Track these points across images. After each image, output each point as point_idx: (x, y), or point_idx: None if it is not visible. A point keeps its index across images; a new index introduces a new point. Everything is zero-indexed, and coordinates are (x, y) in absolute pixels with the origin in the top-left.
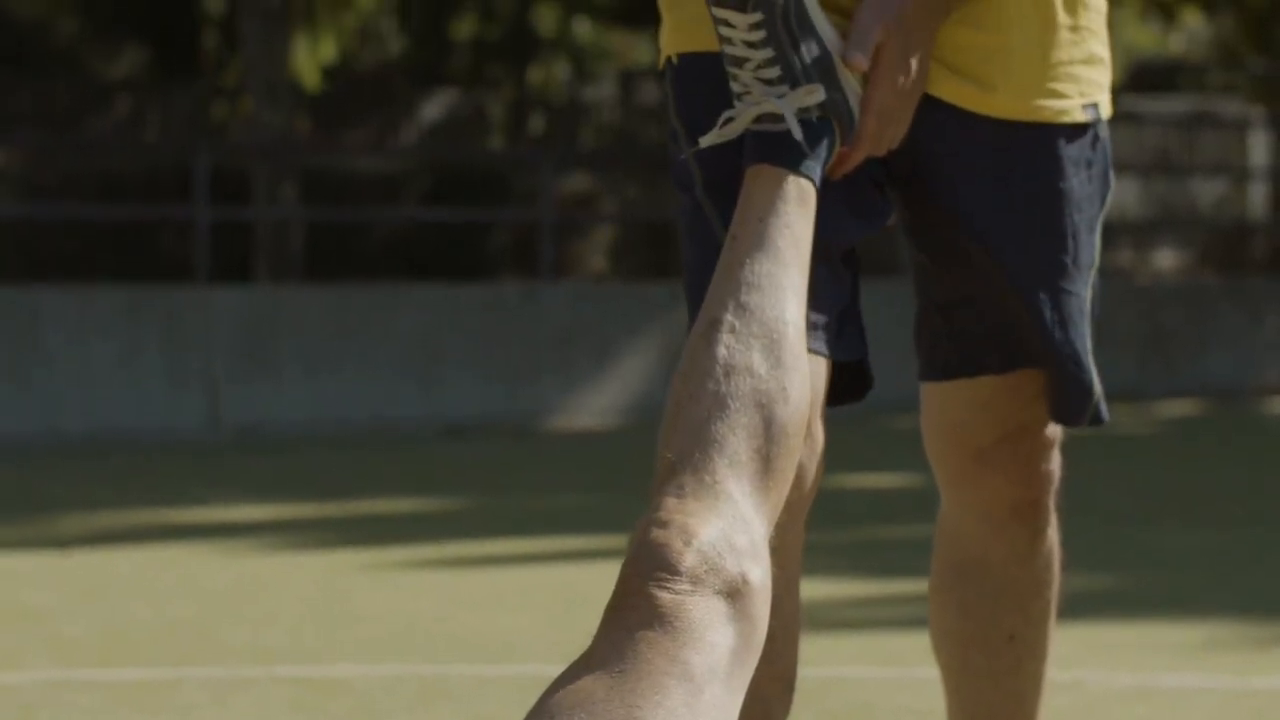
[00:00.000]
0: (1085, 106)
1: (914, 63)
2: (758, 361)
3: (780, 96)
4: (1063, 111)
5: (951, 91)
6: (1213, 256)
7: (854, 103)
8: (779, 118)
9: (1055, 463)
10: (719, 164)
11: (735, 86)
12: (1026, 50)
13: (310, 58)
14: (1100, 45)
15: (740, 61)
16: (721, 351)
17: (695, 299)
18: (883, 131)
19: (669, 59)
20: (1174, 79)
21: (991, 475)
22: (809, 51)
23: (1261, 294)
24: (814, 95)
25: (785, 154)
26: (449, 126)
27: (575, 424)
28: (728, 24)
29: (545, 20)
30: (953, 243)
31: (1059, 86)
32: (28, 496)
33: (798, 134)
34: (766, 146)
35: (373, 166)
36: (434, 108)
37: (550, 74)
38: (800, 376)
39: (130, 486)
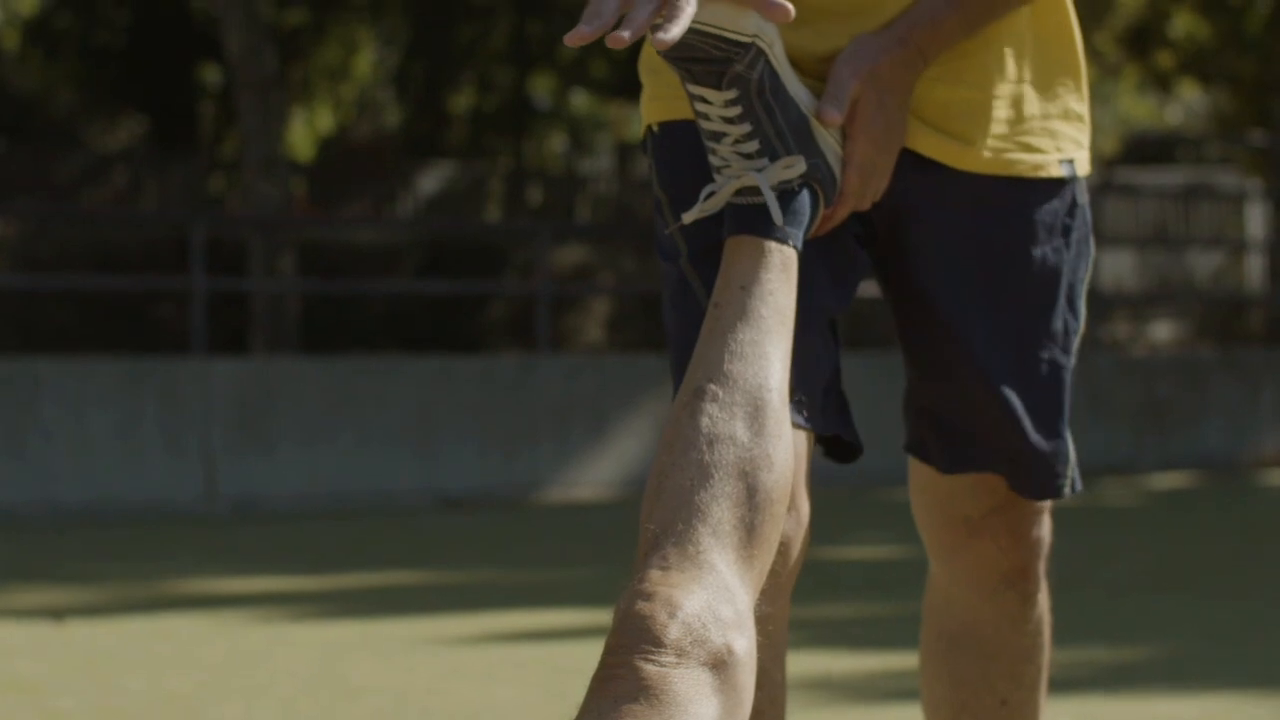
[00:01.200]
0: (1061, 162)
1: (891, 115)
2: (741, 430)
3: (760, 170)
4: (1039, 166)
5: (929, 146)
6: (1209, 328)
7: (834, 162)
8: (758, 190)
9: (1045, 529)
10: (704, 235)
11: (714, 160)
12: (1004, 105)
13: (307, 129)
14: (1078, 102)
15: (718, 136)
16: (704, 421)
17: (680, 370)
18: (865, 186)
19: (650, 128)
20: (1171, 151)
21: (981, 544)
22: (786, 120)
23: (1258, 366)
24: (794, 167)
25: (766, 225)
26: (446, 198)
27: (572, 496)
28: (704, 100)
29: (542, 92)
30: (922, 323)
31: (1035, 141)
32: (23, 566)
33: (776, 214)
34: (747, 218)
35: (369, 238)
36: (431, 179)
37: (547, 146)
38: (784, 444)
39: (126, 557)
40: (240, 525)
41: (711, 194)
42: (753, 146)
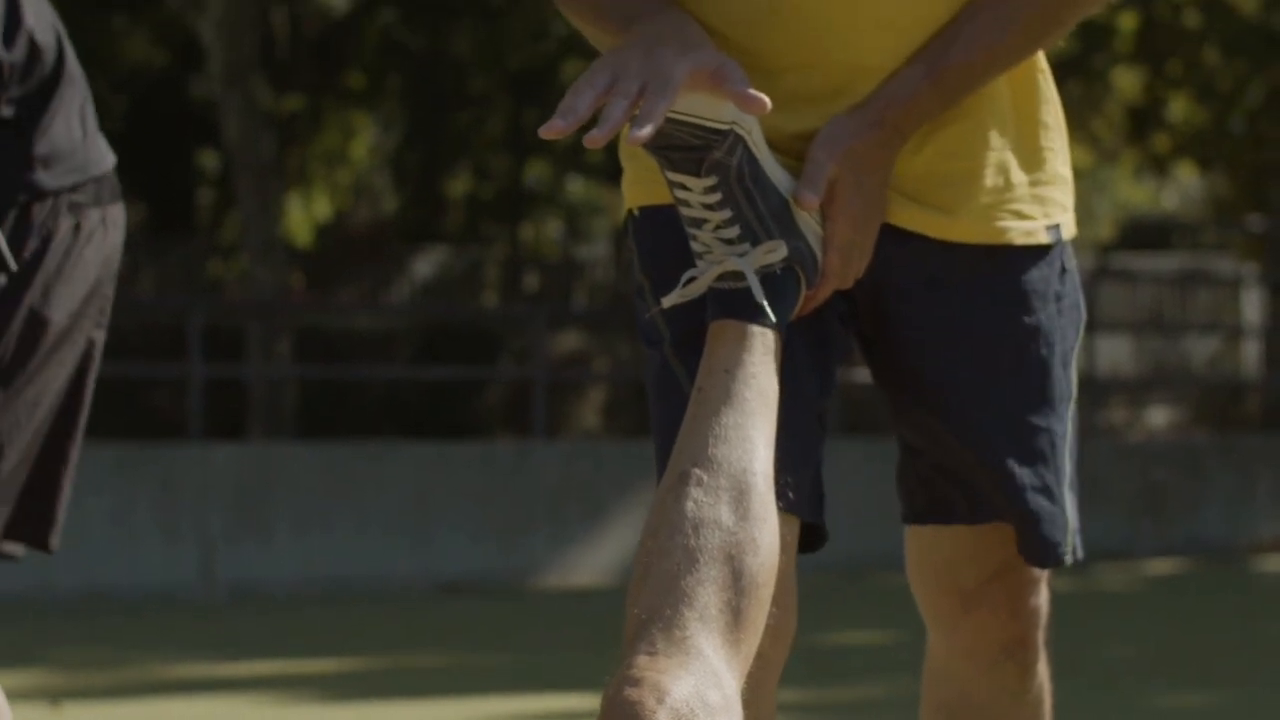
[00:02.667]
0: (1049, 228)
1: (870, 195)
2: (726, 514)
3: (741, 255)
4: (1028, 233)
5: (909, 219)
6: (1206, 414)
7: (816, 244)
8: (741, 275)
9: (1043, 598)
10: (686, 320)
11: (696, 246)
12: (987, 173)
13: (304, 215)
14: (1062, 164)
15: (699, 223)
16: (690, 505)
17: (664, 455)
18: (847, 266)
19: (630, 211)
20: (1167, 236)
21: (979, 614)
22: (766, 205)
23: (1254, 452)
24: (775, 252)
25: (748, 309)
26: (442, 284)
27: (568, 582)
28: (683, 187)
29: (539, 178)
30: (914, 397)
31: (1022, 208)
32: (19, 651)
33: (759, 295)
34: (730, 303)
35: (366, 324)
36: (427, 265)
37: (543, 232)
38: (770, 528)
39: (123, 642)
40: (237, 611)
41: (693, 279)
42: (734, 232)
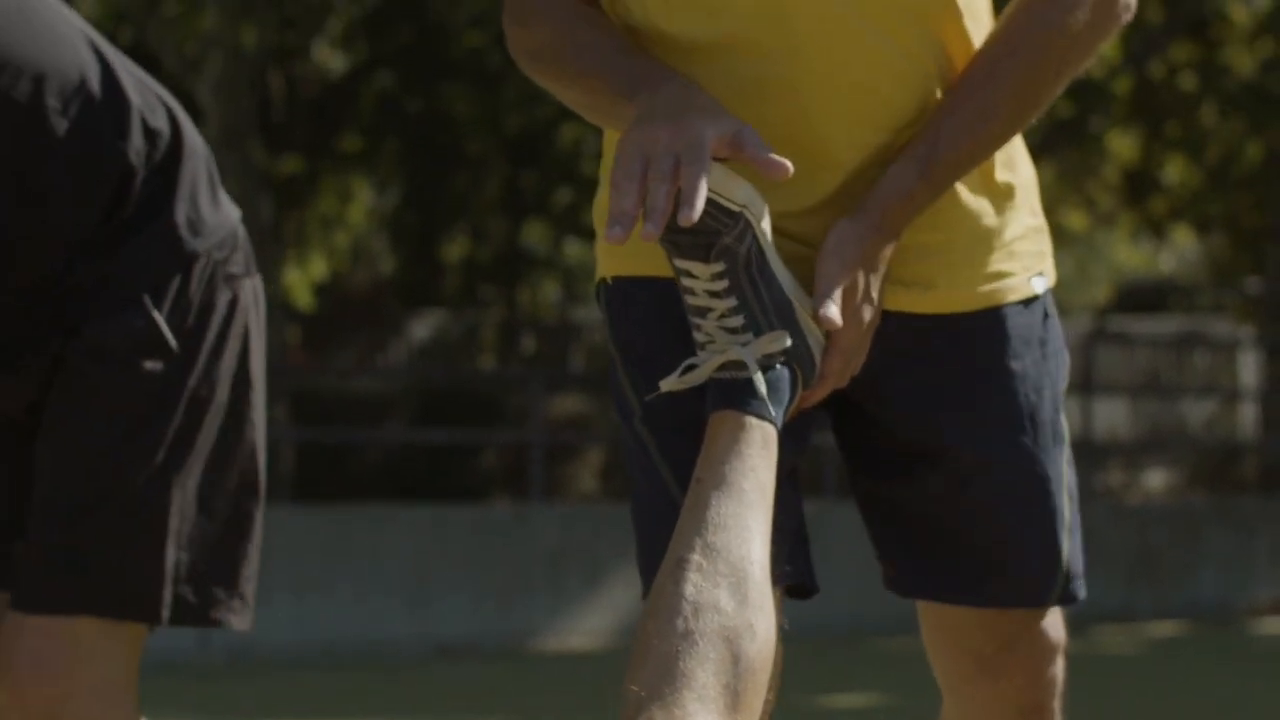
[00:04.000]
0: (1030, 279)
1: (873, 296)
2: (725, 599)
3: (744, 345)
4: (1011, 290)
5: (893, 298)
6: (1203, 477)
7: (815, 347)
8: (743, 365)
9: (1060, 666)
10: (654, 394)
11: (699, 336)
12: (961, 240)
13: (302, 277)
14: (1032, 215)
15: (703, 311)
16: (689, 589)
17: (642, 528)
18: (846, 368)
19: (604, 280)
20: (1164, 299)
21: (994, 682)
22: (770, 297)
23: (1252, 514)
24: (778, 341)
25: (749, 400)
26: (439, 346)
27: (566, 645)
28: (690, 274)
29: (536, 241)
30: (895, 461)
31: (1002, 267)
32: None
33: (761, 386)
34: (730, 393)
35: (363, 386)
36: (424, 327)
37: (540, 294)
38: (766, 615)
39: None
40: (235, 675)
41: (693, 367)
42: (738, 321)
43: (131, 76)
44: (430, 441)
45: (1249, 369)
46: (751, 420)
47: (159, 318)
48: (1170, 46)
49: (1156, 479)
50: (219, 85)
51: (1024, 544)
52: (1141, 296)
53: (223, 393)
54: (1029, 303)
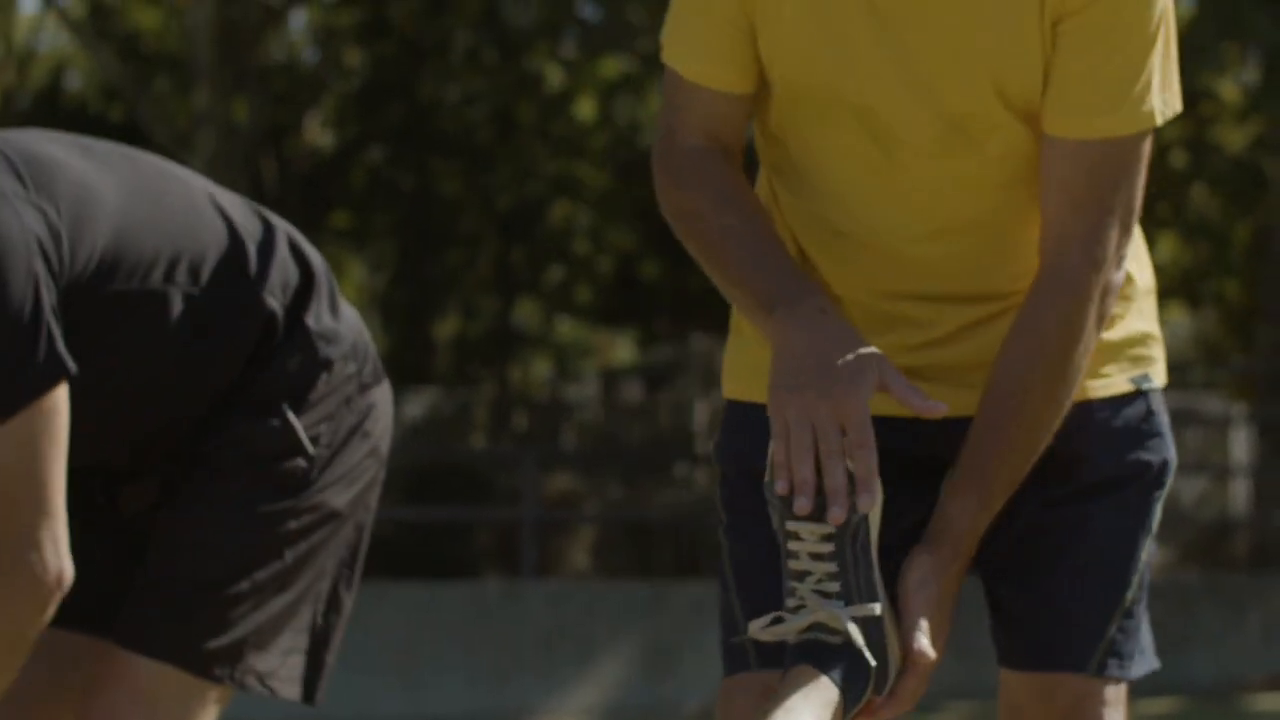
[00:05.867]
0: (1131, 378)
1: (948, 613)
2: None
3: (838, 607)
4: (1104, 387)
5: (956, 405)
6: (1194, 554)
7: (893, 662)
8: (831, 629)
9: None
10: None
11: (790, 600)
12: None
13: None
14: (1142, 318)
15: (802, 575)
16: None
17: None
18: (921, 690)
19: (728, 400)
20: None
21: None
22: (866, 576)
23: (1243, 591)
24: (870, 611)
25: (829, 662)
26: (431, 425)
27: None
28: (796, 537)
29: (528, 319)
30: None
31: (1102, 367)
32: None
33: (858, 639)
34: (813, 651)
35: None
36: (416, 406)
37: (532, 372)
38: None
39: None
40: None
41: (780, 621)
42: (834, 587)
43: (252, 219)
44: (422, 519)
45: (1240, 446)
46: (824, 680)
47: (296, 422)
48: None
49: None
50: (211, 161)
51: (1071, 608)
52: None
53: (347, 496)
54: (1132, 400)
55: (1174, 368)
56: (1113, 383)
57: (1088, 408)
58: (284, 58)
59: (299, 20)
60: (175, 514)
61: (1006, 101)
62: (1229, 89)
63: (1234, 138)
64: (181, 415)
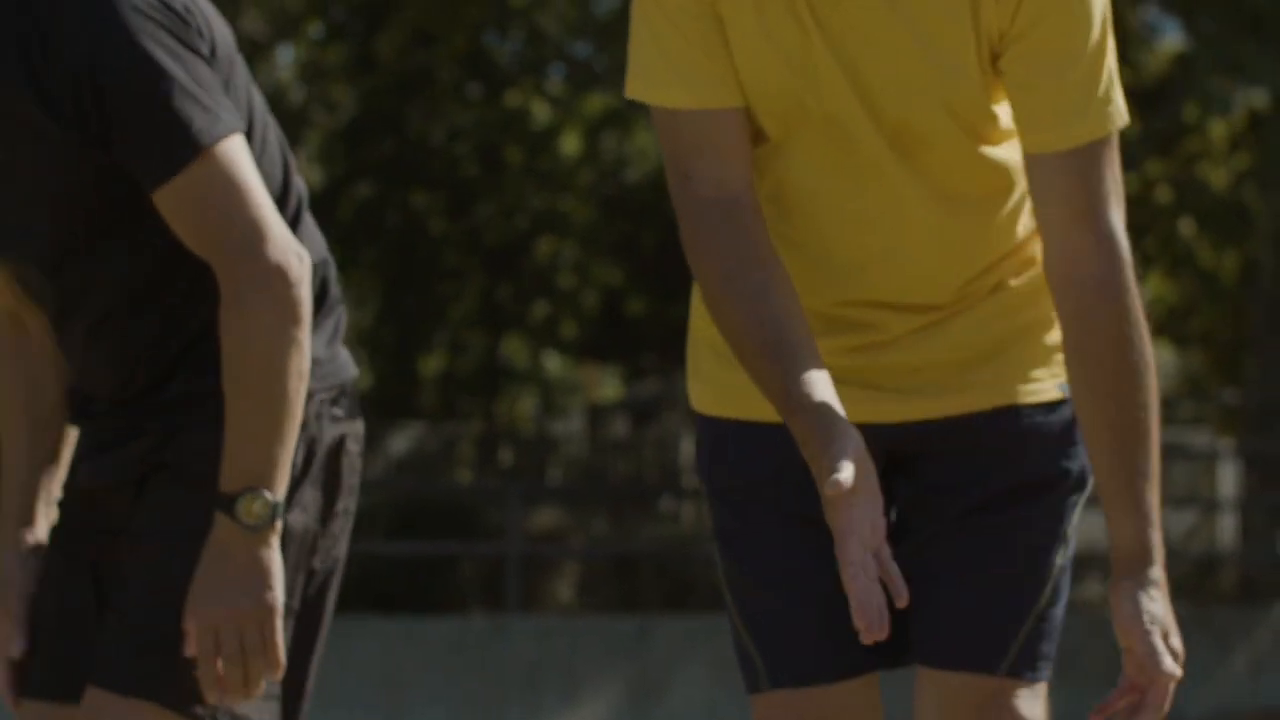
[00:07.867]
0: (1059, 385)
1: (1173, 627)
2: None
3: None
4: (1033, 393)
5: (916, 409)
6: (1182, 588)
7: None
8: None
9: None
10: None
11: None
12: (988, 353)
13: None
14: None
15: None
16: None
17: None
18: (1165, 707)
19: (698, 413)
20: None
21: None
22: None
23: (1231, 625)
24: None
25: None
26: (417, 459)
27: None
28: None
29: (514, 354)
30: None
31: (1030, 372)
32: None
33: None
34: None
35: None
36: (402, 440)
37: (518, 408)
38: None
39: None
40: None
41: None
42: None
43: (312, 227)
44: (407, 553)
45: (1227, 481)
46: None
47: None
48: (1145, 161)
49: None
50: None
51: (989, 602)
52: None
53: (313, 524)
54: (1058, 408)
55: (1161, 403)
56: (1042, 388)
57: (1016, 412)
58: (271, 93)
59: (286, 56)
60: (140, 543)
61: (953, 115)
62: (1214, 125)
63: (1219, 175)
64: (170, 336)
